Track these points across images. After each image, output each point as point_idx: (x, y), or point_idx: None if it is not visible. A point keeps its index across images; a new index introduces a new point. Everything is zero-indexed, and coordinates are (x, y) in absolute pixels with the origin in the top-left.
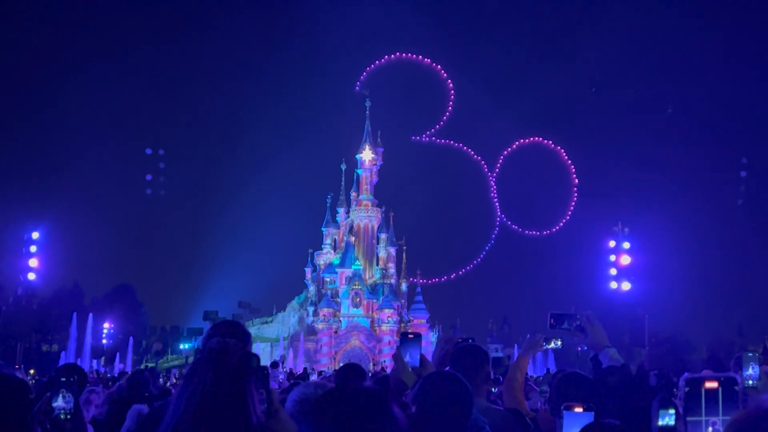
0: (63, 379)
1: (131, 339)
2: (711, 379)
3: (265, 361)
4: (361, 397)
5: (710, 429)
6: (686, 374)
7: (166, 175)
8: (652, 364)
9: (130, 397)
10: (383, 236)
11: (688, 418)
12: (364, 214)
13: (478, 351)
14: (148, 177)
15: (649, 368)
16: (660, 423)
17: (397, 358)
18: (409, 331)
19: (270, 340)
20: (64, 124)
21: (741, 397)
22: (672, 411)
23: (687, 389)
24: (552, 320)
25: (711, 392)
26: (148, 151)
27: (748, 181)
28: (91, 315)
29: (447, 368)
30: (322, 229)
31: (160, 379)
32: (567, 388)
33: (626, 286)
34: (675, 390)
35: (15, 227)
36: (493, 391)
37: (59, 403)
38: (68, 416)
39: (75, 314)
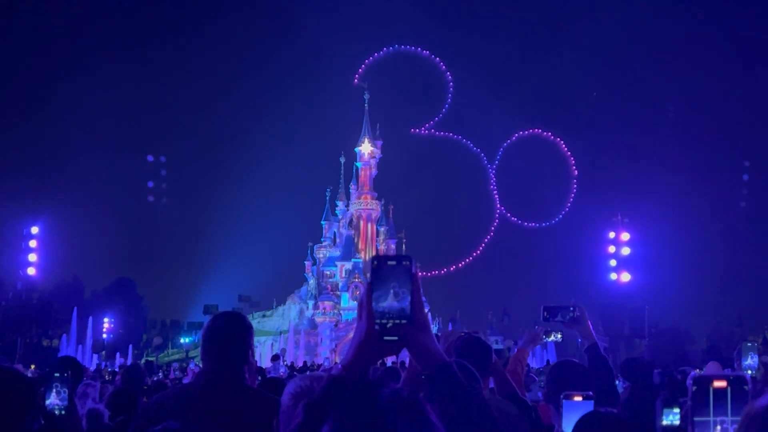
0: (57, 375)
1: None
2: (719, 378)
3: (267, 355)
4: (400, 404)
5: (718, 428)
6: (693, 373)
7: (166, 175)
8: (652, 355)
9: (127, 391)
10: (383, 229)
11: (696, 418)
12: (364, 207)
13: (482, 343)
14: (150, 184)
15: (650, 359)
16: (664, 422)
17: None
18: None
19: (270, 333)
20: (64, 119)
21: (750, 396)
22: (677, 410)
23: (694, 388)
24: (545, 313)
25: (719, 391)
26: (150, 158)
27: (750, 182)
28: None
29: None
30: (322, 222)
31: (160, 373)
32: (561, 376)
33: (626, 277)
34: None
35: (14, 222)
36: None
37: (53, 398)
38: (62, 412)
39: (75, 309)
